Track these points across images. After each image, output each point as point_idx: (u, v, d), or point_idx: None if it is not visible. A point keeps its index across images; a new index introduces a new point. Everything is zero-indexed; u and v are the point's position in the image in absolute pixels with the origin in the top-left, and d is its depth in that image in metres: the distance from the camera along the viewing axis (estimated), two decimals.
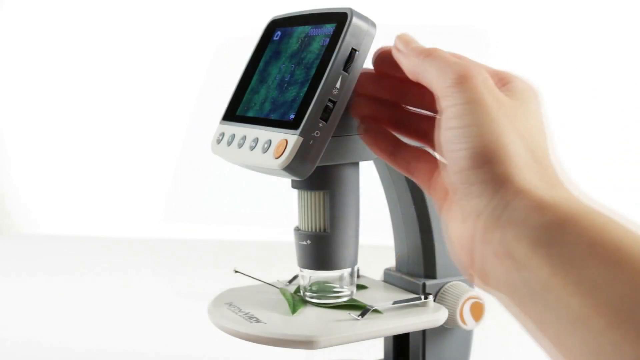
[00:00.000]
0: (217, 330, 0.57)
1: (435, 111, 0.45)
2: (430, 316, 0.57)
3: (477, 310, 0.60)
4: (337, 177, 0.56)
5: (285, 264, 0.73)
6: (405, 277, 0.63)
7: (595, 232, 0.33)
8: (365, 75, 0.49)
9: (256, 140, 0.50)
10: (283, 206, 1.15)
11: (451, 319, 0.59)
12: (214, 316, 0.57)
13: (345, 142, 0.51)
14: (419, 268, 0.62)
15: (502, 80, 0.42)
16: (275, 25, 0.55)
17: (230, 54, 1.36)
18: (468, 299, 0.60)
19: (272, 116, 0.50)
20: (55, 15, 1.69)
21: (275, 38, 0.55)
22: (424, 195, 0.61)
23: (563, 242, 0.33)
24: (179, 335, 0.96)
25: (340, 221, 0.56)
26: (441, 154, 0.40)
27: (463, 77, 0.39)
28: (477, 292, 0.60)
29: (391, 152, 0.48)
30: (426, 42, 0.46)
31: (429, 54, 0.42)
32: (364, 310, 0.56)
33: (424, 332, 0.62)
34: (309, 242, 0.56)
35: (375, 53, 0.49)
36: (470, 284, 0.61)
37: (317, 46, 0.49)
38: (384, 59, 0.48)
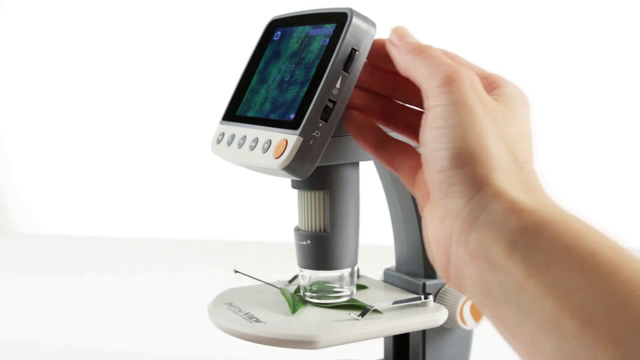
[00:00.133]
0: (217, 330, 0.57)
1: None
2: (430, 316, 0.57)
3: (477, 311, 0.60)
4: (337, 177, 0.56)
5: (285, 264, 0.73)
6: (405, 277, 0.63)
7: (571, 238, 0.33)
8: None
9: (256, 140, 0.50)
10: (283, 206, 1.15)
11: (451, 319, 0.59)
12: (214, 316, 0.57)
13: (345, 142, 0.51)
14: (419, 268, 0.62)
15: (493, 84, 0.43)
16: (275, 25, 0.55)
17: (230, 54, 1.36)
18: (468, 299, 0.60)
19: (272, 116, 0.50)
20: (55, 16, 1.69)
21: (275, 38, 0.55)
22: None
23: (539, 245, 0.33)
24: (179, 335, 0.96)
25: (340, 221, 0.56)
26: (424, 152, 0.40)
27: (451, 78, 0.39)
28: None
29: (377, 145, 0.48)
30: (425, 40, 0.46)
31: (421, 52, 0.42)
32: (364, 310, 0.56)
33: (424, 332, 0.62)
34: (309, 242, 0.57)
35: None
36: None
37: (317, 46, 0.49)
38: (379, 51, 0.48)
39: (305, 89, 0.48)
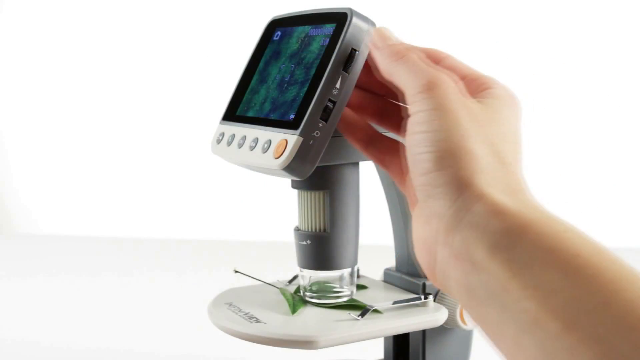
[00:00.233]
0: (217, 330, 0.57)
1: None
2: (430, 316, 0.57)
3: None
4: (337, 177, 0.56)
5: (285, 264, 0.73)
6: (405, 277, 0.63)
7: (554, 240, 0.34)
8: None
9: (256, 141, 0.50)
10: (283, 206, 1.15)
11: (451, 319, 0.59)
12: (214, 316, 0.57)
13: (345, 142, 0.51)
14: (419, 268, 0.62)
15: (483, 86, 0.43)
16: (275, 25, 0.55)
17: (230, 54, 1.36)
18: None
19: (272, 116, 0.50)
20: (55, 16, 1.69)
21: (275, 38, 0.55)
22: None
23: (522, 247, 0.34)
24: (179, 335, 0.96)
25: (340, 221, 0.56)
26: (408, 157, 0.40)
27: (431, 84, 0.40)
28: None
29: (366, 142, 0.48)
30: (424, 41, 0.46)
31: (401, 57, 0.43)
32: (364, 310, 0.56)
33: (424, 332, 0.62)
34: (308, 242, 0.57)
35: None
36: None
37: (317, 46, 0.49)
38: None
39: (305, 89, 0.48)
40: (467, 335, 0.64)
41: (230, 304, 0.59)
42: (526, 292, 0.33)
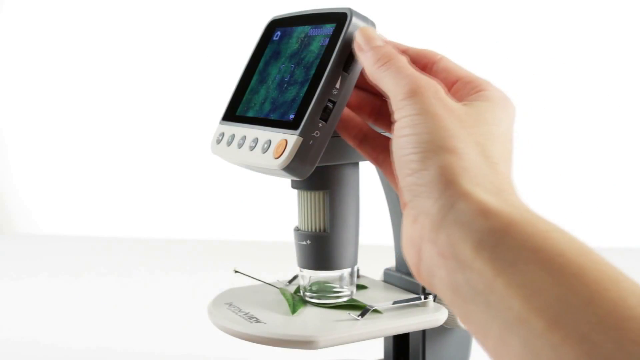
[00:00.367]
0: (217, 330, 0.57)
1: None
2: (430, 316, 0.57)
3: None
4: (337, 177, 0.56)
5: (285, 264, 0.73)
6: (405, 277, 0.63)
7: (539, 239, 0.34)
8: None
9: (256, 141, 0.50)
10: (283, 206, 1.15)
11: (451, 319, 0.59)
12: (214, 316, 0.57)
13: (345, 142, 0.51)
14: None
15: (476, 88, 0.44)
16: (275, 25, 0.55)
17: (230, 54, 1.36)
18: None
19: (272, 116, 0.50)
20: (55, 16, 1.69)
21: (275, 38, 0.55)
22: None
23: (506, 246, 0.34)
24: (179, 335, 0.96)
25: (340, 221, 0.56)
26: (395, 161, 0.41)
27: (414, 91, 0.40)
28: None
29: (360, 140, 0.49)
30: (422, 41, 0.46)
31: (385, 63, 0.43)
32: (364, 310, 0.56)
33: (424, 332, 0.62)
34: (308, 242, 0.57)
35: None
36: None
37: (316, 46, 0.49)
38: None
39: (305, 89, 0.48)
40: (467, 335, 0.64)
41: (230, 304, 0.59)
42: (510, 290, 0.33)
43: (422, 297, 0.58)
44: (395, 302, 0.58)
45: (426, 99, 0.40)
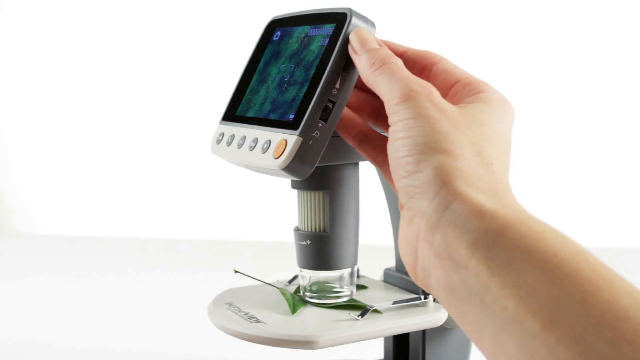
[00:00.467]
0: (217, 330, 0.57)
1: None
2: (430, 316, 0.57)
3: None
4: (337, 177, 0.56)
5: (285, 264, 0.73)
6: (405, 277, 0.63)
7: (533, 240, 0.34)
8: None
9: (256, 141, 0.50)
10: (283, 206, 1.15)
11: (451, 319, 0.59)
12: (214, 316, 0.57)
13: (345, 142, 0.51)
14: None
15: (474, 90, 0.44)
16: (275, 25, 0.55)
17: (230, 54, 1.36)
18: None
19: (272, 116, 0.50)
20: (55, 16, 1.69)
21: (274, 38, 0.55)
22: None
23: (501, 247, 0.34)
24: (179, 335, 0.96)
25: (340, 221, 0.56)
26: (390, 164, 0.41)
27: (408, 95, 0.41)
28: None
29: (360, 139, 0.49)
30: (421, 41, 0.46)
31: (379, 67, 0.44)
32: (363, 310, 0.56)
33: (424, 332, 0.62)
34: (308, 242, 0.57)
35: None
36: None
37: (316, 46, 0.49)
38: None
39: (305, 89, 0.48)
40: (467, 335, 0.64)
41: (230, 304, 0.59)
42: (505, 290, 0.33)
43: (422, 297, 0.58)
44: (395, 302, 0.58)
45: (420, 102, 0.40)
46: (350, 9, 0.48)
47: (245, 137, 0.51)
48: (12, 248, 1.54)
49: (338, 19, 0.48)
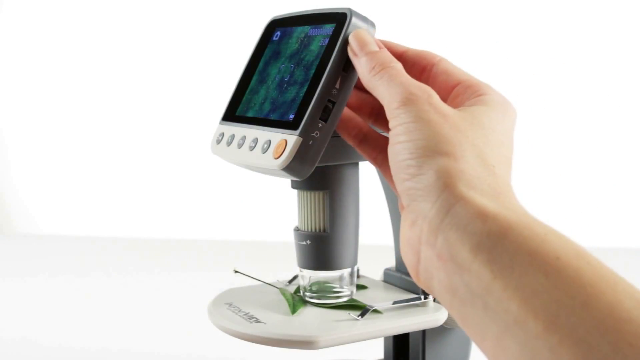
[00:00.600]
0: (217, 330, 0.57)
1: None
2: (430, 316, 0.57)
3: None
4: (337, 177, 0.56)
5: (285, 264, 0.73)
6: (405, 277, 0.63)
7: (535, 242, 0.34)
8: None
9: (256, 141, 0.50)
10: (283, 206, 1.15)
11: (451, 319, 0.59)
12: (214, 316, 0.57)
13: (345, 142, 0.51)
14: None
15: (476, 92, 0.44)
16: (275, 26, 0.55)
17: (230, 54, 1.36)
18: None
19: (272, 116, 0.50)
20: (55, 16, 1.69)
21: (274, 38, 0.55)
22: None
23: (503, 249, 0.34)
24: (179, 335, 0.96)
25: (339, 221, 0.56)
26: (392, 167, 0.41)
27: (407, 99, 0.41)
28: None
29: (360, 139, 0.49)
30: (421, 41, 0.46)
31: (379, 71, 0.44)
32: (363, 310, 0.56)
33: (424, 332, 0.62)
34: (308, 242, 0.57)
35: None
36: None
37: (316, 46, 0.49)
38: None
39: (305, 89, 0.48)
40: (467, 336, 0.64)
41: (230, 304, 0.59)
42: (508, 293, 0.33)
43: (422, 297, 0.58)
44: (395, 302, 0.58)
45: (420, 106, 0.40)
46: (350, 9, 0.48)
47: (245, 137, 0.51)
48: (12, 248, 1.54)
49: (338, 19, 0.48)
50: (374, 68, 0.44)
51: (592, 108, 1.49)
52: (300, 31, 0.52)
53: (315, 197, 0.56)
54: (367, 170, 0.59)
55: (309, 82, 0.48)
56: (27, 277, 1.25)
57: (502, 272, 0.34)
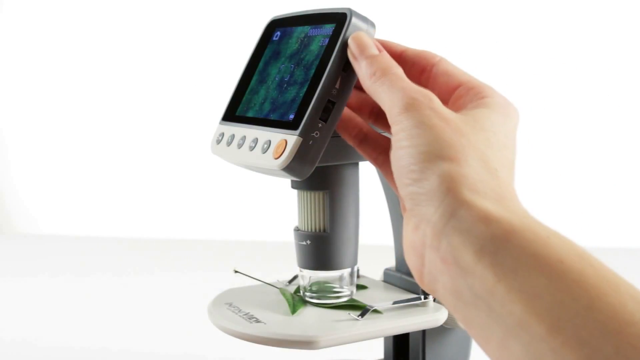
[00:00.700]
0: (217, 330, 0.57)
1: None
2: (430, 316, 0.57)
3: None
4: (337, 177, 0.56)
5: (285, 264, 0.73)
6: (405, 277, 0.63)
7: (539, 245, 0.34)
8: None
9: (255, 141, 0.50)
10: (283, 206, 1.15)
11: (451, 319, 0.59)
12: (214, 316, 0.57)
13: (345, 142, 0.51)
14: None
15: (479, 95, 0.44)
16: (275, 26, 0.55)
17: (230, 54, 1.36)
18: None
19: (272, 116, 0.50)
20: (55, 16, 1.69)
21: (274, 38, 0.55)
22: None
23: (507, 252, 0.34)
24: (179, 335, 0.96)
25: (340, 221, 0.56)
26: (394, 172, 0.41)
27: (409, 104, 0.41)
28: None
29: (361, 140, 0.49)
30: (422, 41, 0.46)
31: (379, 78, 0.44)
32: (363, 310, 0.56)
33: (424, 332, 0.62)
34: (308, 242, 0.57)
35: None
36: None
37: (316, 46, 0.49)
38: None
39: (305, 89, 0.48)
40: (467, 335, 0.64)
41: (230, 304, 0.59)
42: (511, 295, 0.33)
43: (422, 297, 0.58)
44: (395, 302, 0.58)
45: (422, 111, 0.40)
46: (350, 9, 0.48)
47: (245, 137, 0.51)
48: (12, 248, 1.54)
49: (338, 19, 0.48)
50: (374, 74, 0.44)
51: (592, 108, 1.49)
52: (300, 31, 0.52)
53: (315, 197, 0.56)
54: (367, 170, 0.59)
55: (309, 82, 0.48)
56: (27, 277, 1.25)
57: (505, 275, 0.34)
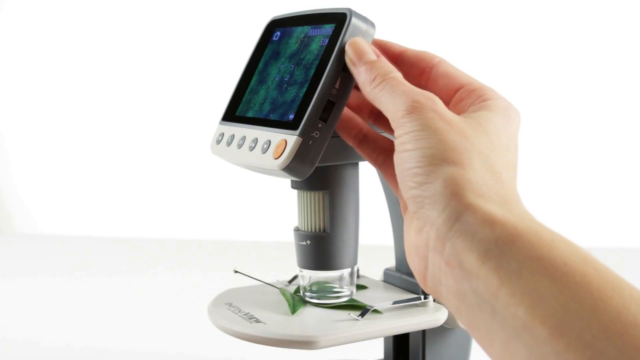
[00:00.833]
0: (217, 330, 0.57)
1: None
2: (430, 316, 0.57)
3: None
4: (337, 177, 0.56)
5: (285, 264, 0.73)
6: (405, 277, 0.63)
7: (543, 248, 0.34)
8: None
9: (255, 141, 0.50)
10: (283, 206, 1.15)
11: (451, 319, 0.59)
12: (214, 316, 0.57)
13: (345, 142, 0.51)
14: None
15: (481, 97, 0.44)
16: (275, 26, 0.55)
17: (230, 54, 1.36)
18: None
19: (272, 116, 0.50)
20: (55, 16, 1.69)
21: (274, 38, 0.55)
22: None
23: (511, 256, 0.35)
24: (179, 335, 0.96)
25: (340, 221, 0.56)
26: (398, 174, 0.41)
27: (412, 107, 0.41)
28: None
29: (360, 140, 0.49)
30: (422, 41, 0.46)
31: (380, 83, 0.44)
32: (363, 310, 0.56)
33: (424, 332, 0.62)
34: (308, 242, 0.57)
35: None
36: None
37: (316, 46, 0.49)
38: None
39: (305, 89, 0.48)
40: (467, 335, 0.64)
41: (230, 304, 0.59)
42: (515, 298, 0.33)
43: (422, 297, 0.58)
44: (395, 302, 0.58)
45: (425, 113, 0.40)
46: (350, 9, 0.48)
47: (245, 137, 0.51)
48: (12, 248, 1.54)
49: (338, 19, 0.48)
50: (374, 80, 0.44)
51: (592, 108, 1.49)
52: (300, 31, 0.52)
53: (315, 197, 0.56)
54: (367, 170, 0.59)
55: (308, 82, 0.48)
56: (27, 277, 1.25)
57: (509, 278, 0.34)
